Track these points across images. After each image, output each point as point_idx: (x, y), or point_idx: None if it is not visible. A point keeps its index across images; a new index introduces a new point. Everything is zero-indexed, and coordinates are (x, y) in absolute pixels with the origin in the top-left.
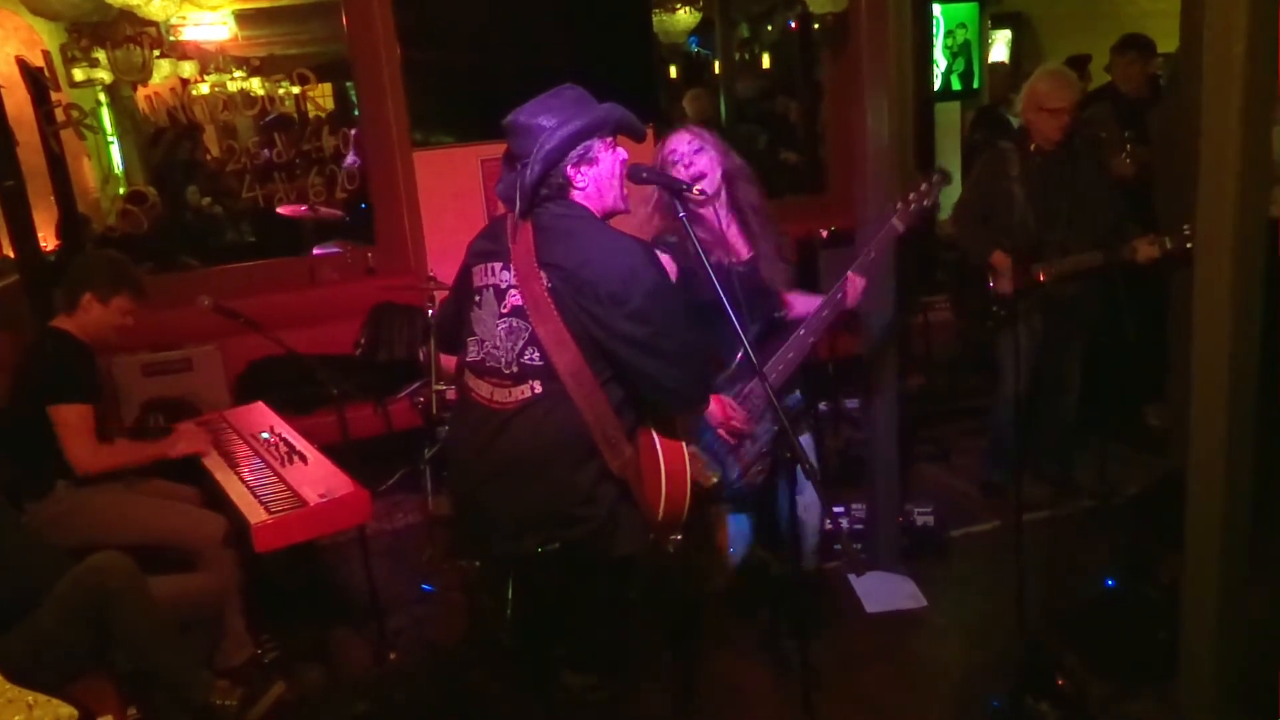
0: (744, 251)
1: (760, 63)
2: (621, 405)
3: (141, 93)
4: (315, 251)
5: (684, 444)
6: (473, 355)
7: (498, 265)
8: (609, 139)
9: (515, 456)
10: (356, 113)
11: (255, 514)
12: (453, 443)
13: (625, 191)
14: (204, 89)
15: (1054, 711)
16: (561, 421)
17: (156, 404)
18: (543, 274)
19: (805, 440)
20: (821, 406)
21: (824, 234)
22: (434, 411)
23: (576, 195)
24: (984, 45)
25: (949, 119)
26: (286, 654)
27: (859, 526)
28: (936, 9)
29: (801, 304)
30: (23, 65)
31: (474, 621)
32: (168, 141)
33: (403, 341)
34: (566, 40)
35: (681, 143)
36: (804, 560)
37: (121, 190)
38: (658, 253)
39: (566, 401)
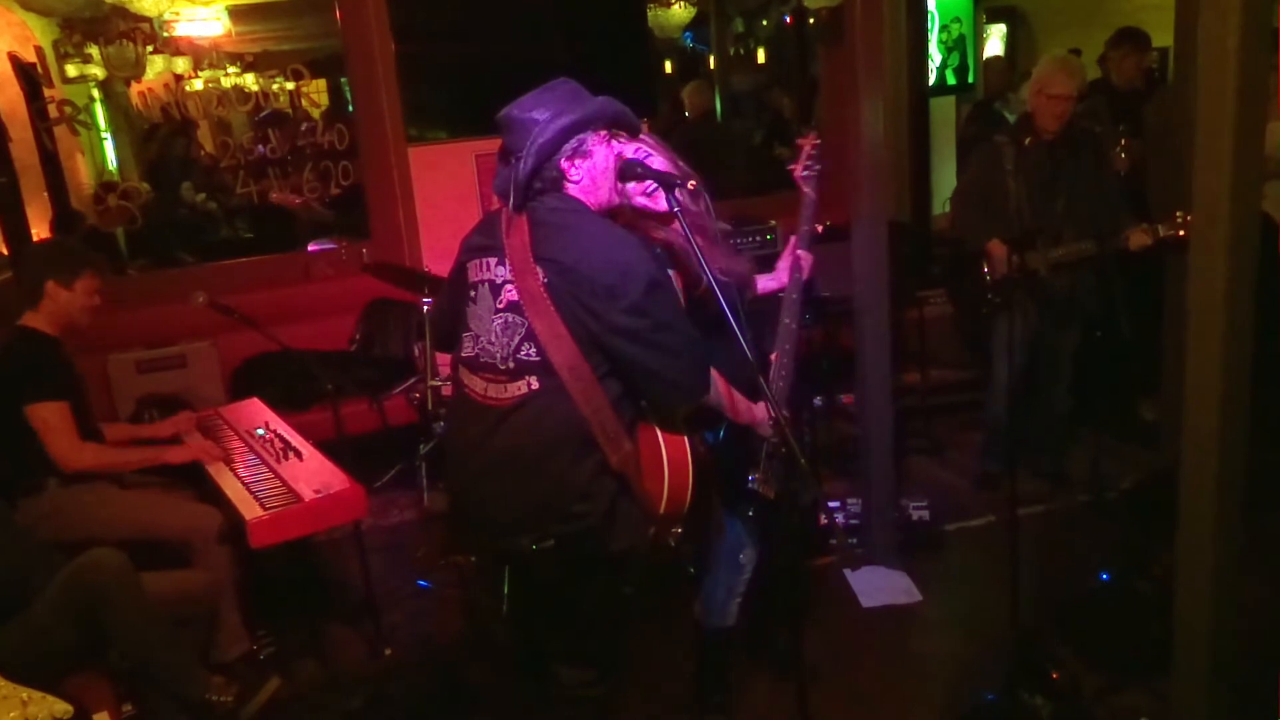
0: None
1: (755, 58)
2: (619, 399)
3: (135, 89)
4: (310, 248)
5: (686, 437)
6: (468, 351)
7: (493, 260)
8: (603, 132)
9: (511, 453)
10: (351, 109)
11: (251, 510)
12: (448, 439)
13: (620, 187)
14: (198, 85)
15: (1048, 704)
16: (558, 417)
17: (151, 400)
18: (538, 269)
19: None
20: (816, 401)
21: (819, 229)
22: (429, 407)
23: (571, 189)
24: (979, 40)
25: (944, 114)
26: (282, 650)
27: (854, 521)
28: (931, 3)
29: (762, 282)
30: (15, 61)
31: (470, 617)
32: (162, 138)
33: (398, 337)
34: (561, 35)
35: (629, 149)
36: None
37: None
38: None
39: (563, 397)
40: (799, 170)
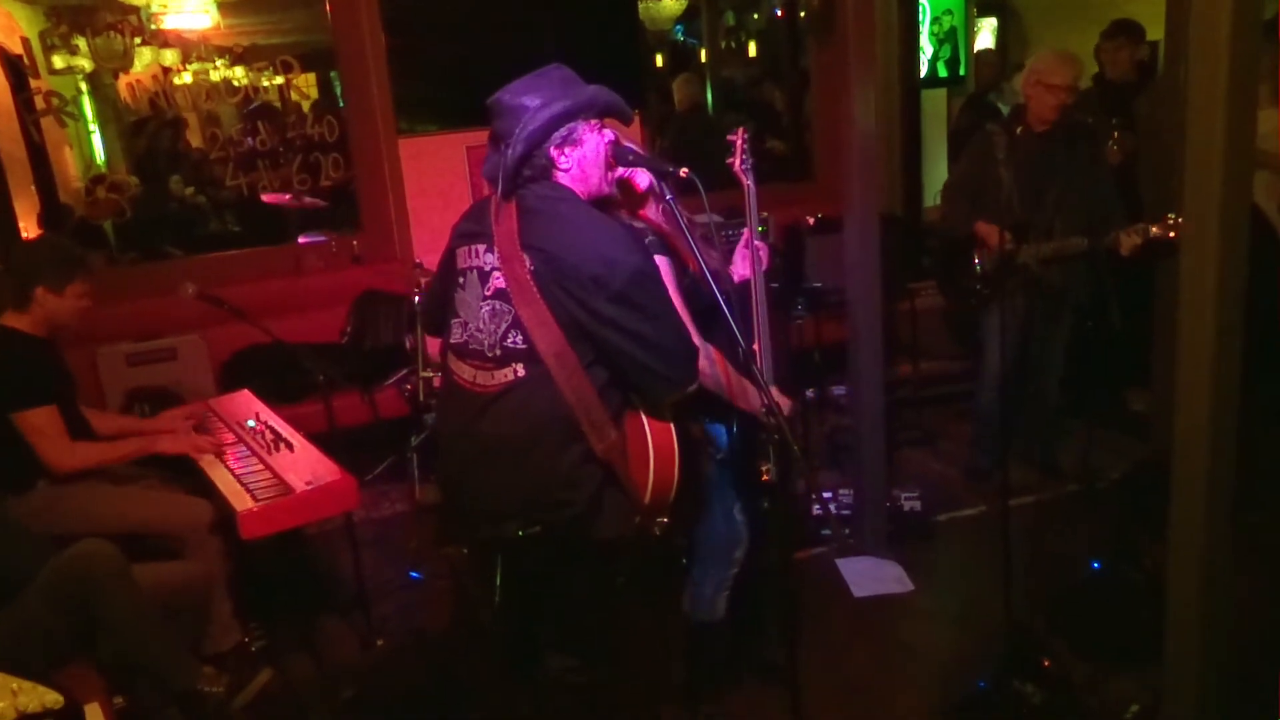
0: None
1: (746, 50)
2: (605, 388)
3: (123, 80)
4: (300, 240)
5: (672, 426)
6: (456, 338)
7: (481, 247)
8: (594, 121)
9: (497, 440)
10: (341, 103)
11: (242, 501)
12: (438, 426)
13: (611, 175)
14: (186, 78)
15: (1038, 693)
16: (544, 405)
17: (141, 393)
18: (525, 256)
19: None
20: (809, 393)
21: (810, 221)
22: (421, 398)
23: (560, 177)
24: (970, 32)
25: (935, 106)
26: (274, 642)
27: (846, 512)
28: None
29: (737, 269)
30: (1, 52)
31: (461, 608)
32: (150, 132)
33: (389, 329)
34: (552, 27)
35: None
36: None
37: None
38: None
39: (550, 385)
40: (737, 164)
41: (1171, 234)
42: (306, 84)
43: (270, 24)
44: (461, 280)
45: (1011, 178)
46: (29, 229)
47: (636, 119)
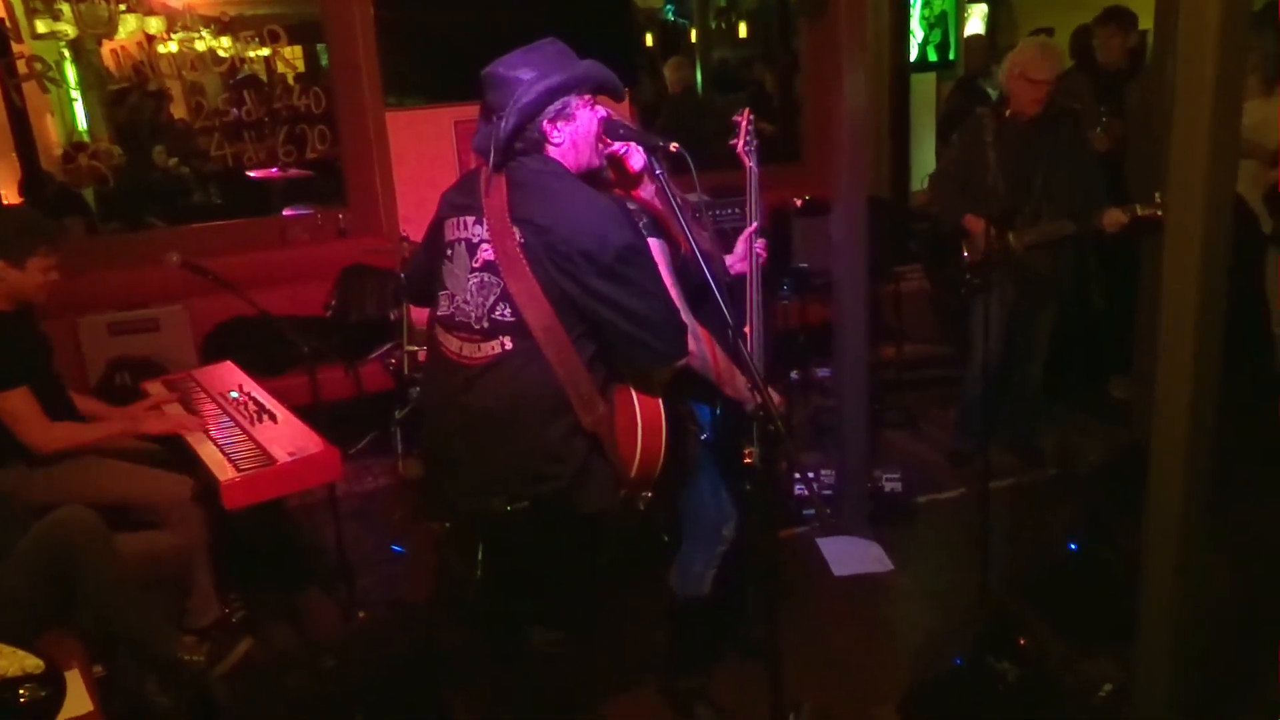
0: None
1: (737, 31)
2: (593, 361)
3: (107, 47)
4: (286, 213)
5: (661, 401)
6: (443, 309)
7: (470, 219)
8: (587, 96)
9: (484, 413)
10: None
11: (224, 472)
12: (423, 397)
13: (601, 149)
14: (172, 46)
15: (1014, 670)
16: (532, 378)
17: (122, 363)
18: (515, 229)
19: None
20: (793, 374)
21: (799, 203)
22: (405, 373)
23: (552, 151)
24: (961, 17)
25: (924, 90)
26: (255, 613)
27: (827, 492)
28: None
29: (734, 264)
30: None
31: (443, 582)
32: (132, 103)
33: (374, 303)
34: (542, 4)
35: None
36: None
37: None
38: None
39: (538, 357)
40: (740, 145)
41: (1158, 212)
42: (293, 55)
43: None
44: (449, 252)
45: (996, 161)
46: (9, 196)
47: (626, 96)
